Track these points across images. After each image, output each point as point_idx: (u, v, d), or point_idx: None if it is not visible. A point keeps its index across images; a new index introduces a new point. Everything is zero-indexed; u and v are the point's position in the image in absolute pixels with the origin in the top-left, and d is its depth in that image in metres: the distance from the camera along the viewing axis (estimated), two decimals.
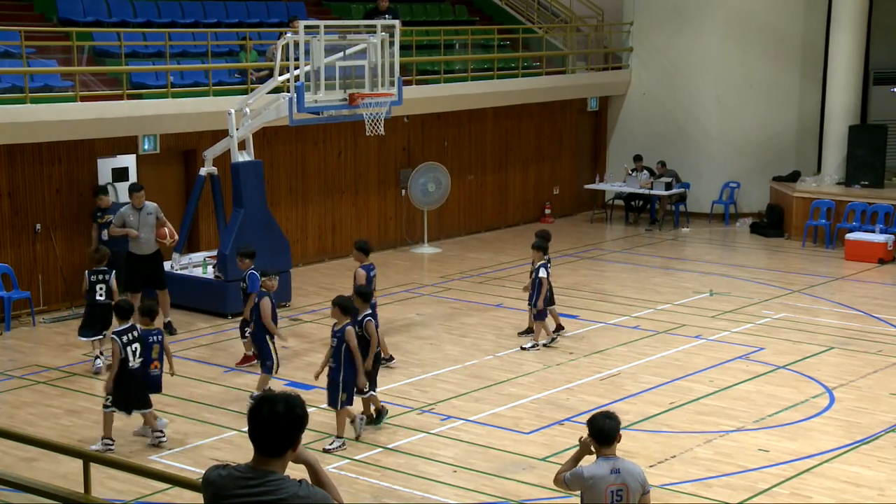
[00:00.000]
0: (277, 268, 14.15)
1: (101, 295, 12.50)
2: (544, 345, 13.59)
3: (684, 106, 23.00)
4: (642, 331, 14.54)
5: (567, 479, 6.64)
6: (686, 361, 13.23)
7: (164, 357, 10.54)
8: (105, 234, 14.56)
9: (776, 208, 21.55)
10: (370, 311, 10.97)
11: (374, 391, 10.89)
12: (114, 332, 10.19)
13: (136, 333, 10.21)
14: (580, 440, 6.67)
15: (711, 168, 22.82)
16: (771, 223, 21.44)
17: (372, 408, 10.88)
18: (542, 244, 13.78)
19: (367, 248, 12.88)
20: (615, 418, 6.60)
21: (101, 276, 12.54)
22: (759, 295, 16.53)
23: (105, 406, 10.22)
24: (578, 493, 6.68)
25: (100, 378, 11.98)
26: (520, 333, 14.14)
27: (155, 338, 10.43)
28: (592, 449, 6.58)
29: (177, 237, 14.62)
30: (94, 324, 12.53)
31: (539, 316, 13.59)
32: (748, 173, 22.63)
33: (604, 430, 6.51)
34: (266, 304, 11.42)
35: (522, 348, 13.56)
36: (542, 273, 13.48)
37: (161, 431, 10.34)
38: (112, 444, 10.16)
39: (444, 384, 12.25)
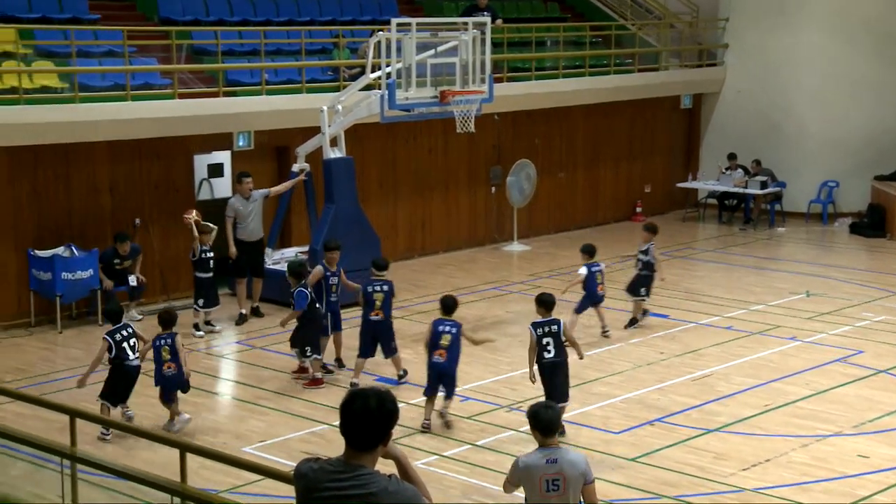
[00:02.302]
0: (366, 264, 14.26)
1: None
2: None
3: (781, 103, 22.50)
4: (735, 331, 14.28)
5: (507, 480, 6.62)
6: (781, 363, 12.95)
7: (178, 358, 10.72)
8: None
9: (878, 208, 20.97)
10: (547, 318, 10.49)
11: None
12: (106, 333, 10.69)
13: (129, 331, 10.69)
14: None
15: (808, 166, 22.29)
16: (872, 223, 20.87)
17: None
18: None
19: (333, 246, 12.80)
20: (556, 408, 6.66)
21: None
22: (858, 297, 16.10)
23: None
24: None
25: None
26: (626, 327, 14.30)
27: (163, 341, 10.71)
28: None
29: (192, 219, 14.36)
30: None
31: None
32: (848, 172, 22.05)
33: (544, 421, 6.52)
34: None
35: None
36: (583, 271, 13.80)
37: (108, 431, 10.38)
38: (107, 435, 10.40)
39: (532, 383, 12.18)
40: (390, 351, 12.08)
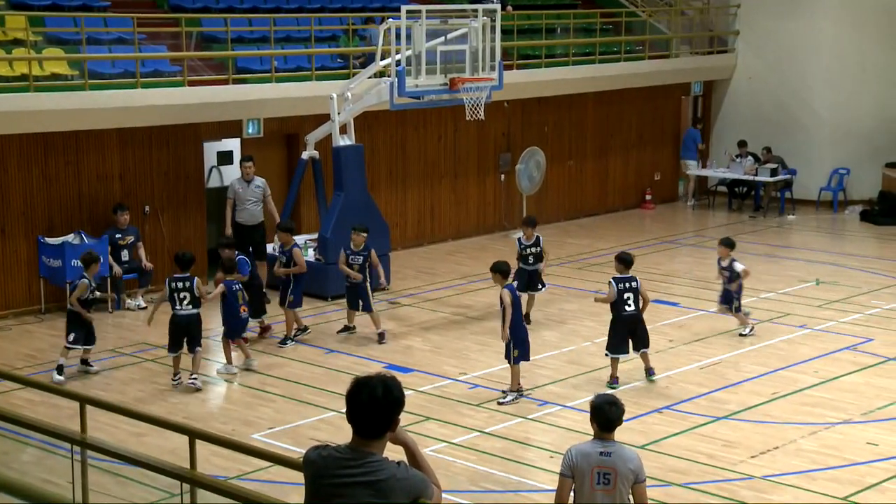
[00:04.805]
0: (378, 251, 14.33)
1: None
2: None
3: (792, 90, 22.41)
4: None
5: (562, 473, 6.42)
6: (790, 351, 12.93)
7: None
8: None
9: (888, 196, 20.88)
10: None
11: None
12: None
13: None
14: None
15: (819, 154, 22.20)
16: (882, 211, 20.79)
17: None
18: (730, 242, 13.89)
19: (291, 229, 13.65)
20: (620, 406, 6.50)
21: None
22: (868, 284, 16.06)
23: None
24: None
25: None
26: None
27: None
28: None
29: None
30: None
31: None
32: (859, 159, 21.95)
33: (606, 416, 6.43)
34: None
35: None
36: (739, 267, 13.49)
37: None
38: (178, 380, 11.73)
39: (541, 370, 12.20)
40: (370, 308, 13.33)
